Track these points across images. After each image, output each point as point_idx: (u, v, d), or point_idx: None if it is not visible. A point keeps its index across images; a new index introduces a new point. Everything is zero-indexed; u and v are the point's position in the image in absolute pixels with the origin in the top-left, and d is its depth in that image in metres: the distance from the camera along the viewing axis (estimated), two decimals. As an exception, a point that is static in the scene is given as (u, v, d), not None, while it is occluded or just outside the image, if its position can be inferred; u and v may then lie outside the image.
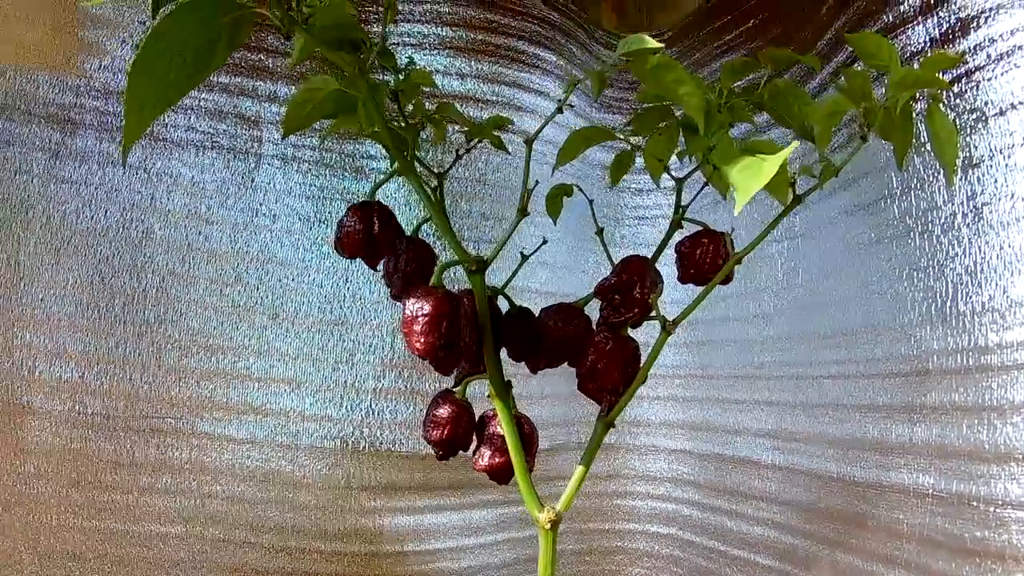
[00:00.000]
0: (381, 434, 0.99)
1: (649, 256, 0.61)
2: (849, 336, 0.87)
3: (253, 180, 0.96)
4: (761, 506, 1.00)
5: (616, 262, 0.60)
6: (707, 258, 0.60)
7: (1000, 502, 0.69)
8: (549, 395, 1.07)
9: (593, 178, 1.11)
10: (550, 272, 1.09)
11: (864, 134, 0.58)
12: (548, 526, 0.57)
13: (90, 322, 0.88)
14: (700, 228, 0.62)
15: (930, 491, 0.76)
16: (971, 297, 0.73)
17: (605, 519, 1.15)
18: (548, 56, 1.10)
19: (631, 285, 0.57)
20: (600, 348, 0.58)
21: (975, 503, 0.71)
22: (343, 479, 0.98)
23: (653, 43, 0.50)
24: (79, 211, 0.88)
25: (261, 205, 0.96)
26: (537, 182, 0.61)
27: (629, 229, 1.18)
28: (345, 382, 0.99)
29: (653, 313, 0.56)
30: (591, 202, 0.66)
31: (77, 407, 0.88)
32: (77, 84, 0.88)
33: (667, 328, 0.55)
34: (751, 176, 0.46)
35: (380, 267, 0.63)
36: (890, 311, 0.81)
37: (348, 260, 0.65)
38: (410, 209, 0.99)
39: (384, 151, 0.65)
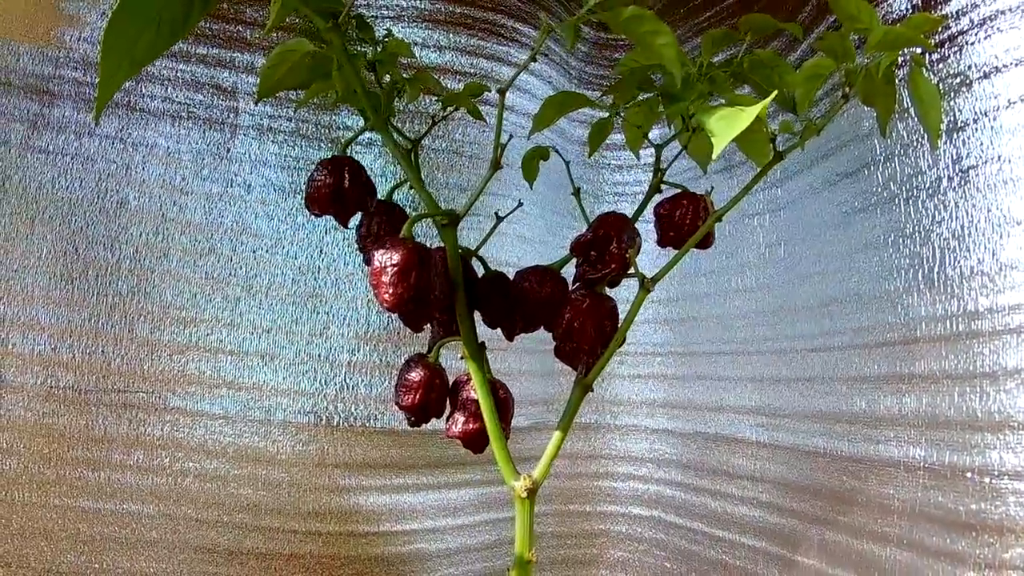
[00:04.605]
0: (356, 409, 0.93)
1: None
2: (834, 306, 0.81)
3: (229, 151, 0.91)
4: (745, 485, 0.94)
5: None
6: (687, 220, 0.56)
7: (996, 472, 0.63)
8: (526, 371, 1.01)
9: (572, 154, 1.06)
10: (527, 246, 1.04)
11: (846, 93, 0.53)
12: (524, 494, 0.53)
13: (64, 294, 0.84)
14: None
15: (921, 463, 0.70)
16: (959, 262, 0.67)
17: (586, 501, 1.09)
18: (526, 30, 1.05)
19: (608, 240, 0.53)
20: (576, 306, 0.53)
21: (969, 474, 0.65)
22: (317, 455, 0.91)
23: None
24: (55, 181, 0.84)
25: (236, 176, 0.91)
26: (511, 136, 0.56)
27: (609, 206, 1.12)
28: (319, 356, 0.92)
29: (631, 270, 0.50)
30: (567, 163, 0.62)
31: (49, 381, 0.83)
32: (56, 55, 0.85)
33: (646, 285, 0.50)
34: (728, 124, 0.44)
35: (352, 228, 0.59)
36: (875, 279, 0.75)
37: (318, 219, 0.63)
38: (385, 180, 0.94)
39: (362, 121, 0.62)
